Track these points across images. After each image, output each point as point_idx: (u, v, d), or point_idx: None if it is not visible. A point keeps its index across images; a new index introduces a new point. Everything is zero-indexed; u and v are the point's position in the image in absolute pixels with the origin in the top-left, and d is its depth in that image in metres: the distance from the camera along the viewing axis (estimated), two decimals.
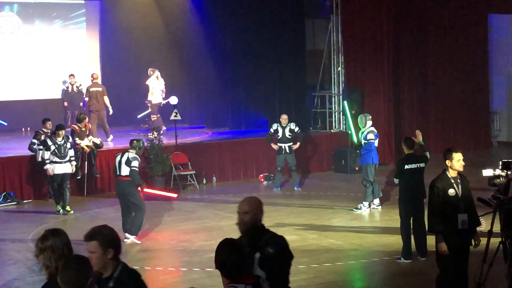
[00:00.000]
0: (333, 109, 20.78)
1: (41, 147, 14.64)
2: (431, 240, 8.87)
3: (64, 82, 21.18)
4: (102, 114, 18.74)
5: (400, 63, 21.13)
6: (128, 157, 11.97)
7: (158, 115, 19.77)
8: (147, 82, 19.78)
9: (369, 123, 14.11)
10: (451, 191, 7.63)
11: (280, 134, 16.57)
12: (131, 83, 21.13)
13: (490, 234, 7.58)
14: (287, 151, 16.58)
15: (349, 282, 10.19)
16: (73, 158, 14.53)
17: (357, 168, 17.32)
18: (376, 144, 14.13)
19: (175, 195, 15.71)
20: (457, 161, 7.67)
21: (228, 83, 21.06)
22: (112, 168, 13.50)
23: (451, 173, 7.70)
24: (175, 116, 17.47)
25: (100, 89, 18.79)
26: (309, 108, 21.42)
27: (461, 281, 7.80)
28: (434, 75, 21.90)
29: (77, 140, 15.91)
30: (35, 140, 15.17)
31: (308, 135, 19.27)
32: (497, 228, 7.58)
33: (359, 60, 19.95)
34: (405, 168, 10.43)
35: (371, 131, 14.03)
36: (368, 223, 13.30)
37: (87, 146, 16.04)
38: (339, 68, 20.39)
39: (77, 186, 16.15)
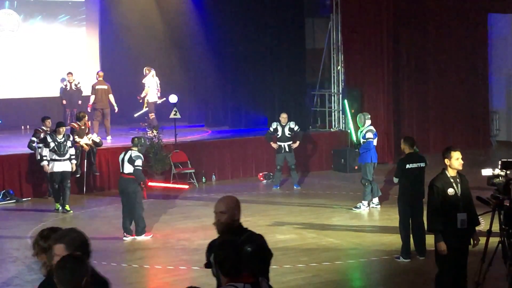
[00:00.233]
0: (333, 108, 20.79)
1: (40, 145, 14.63)
2: (430, 239, 8.87)
3: (63, 80, 21.18)
4: (106, 112, 18.84)
5: (399, 62, 21.14)
6: (131, 155, 12.01)
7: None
8: (143, 81, 19.79)
9: (368, 122, 14.11)
10: (450, 191, 7.62)
11: (279, 133, 16.57)
12: (130, 81, 21.11)
13: (489, 233, 7.58)
14: (287, 150, 16.58)
15: (348, 281, 10.19)
16: (73, 157, 14.51)
17: (356, 167, 17.32)
18: (375, 143, 14.13)
19: (186, 186, 15.84)
20: (456, 160, 7.66)
21: (228, 81, 21.06)
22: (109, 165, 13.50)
23: (450, 173, 7.70)
24: (174, 114, 17.47)
25: (105, 87, 18.90)
26: (308, 107, 21.42)
27: (460, 281, 7.80)
28: (434, 74, 21.90)
29: (77, 138, 15.90)
30: (34, 138, 15.17)
31: (308, 134, 19.27)
32: (496, 227, 7.58)
33: (359, 59, 19.96)
34: (407, 167, 10.41)
35: (370, 130, 14.03)
36: (367, 222, 13.31)
37: (86, 144, 16.03)
38: (339, 67, 20.39)
39: (76, 184, 16.15)
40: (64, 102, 20.77)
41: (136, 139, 12.47)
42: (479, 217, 7.96)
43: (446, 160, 7.71)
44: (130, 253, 11.39)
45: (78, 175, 15.91)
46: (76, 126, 16.07)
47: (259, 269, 4.98)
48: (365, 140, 13.94)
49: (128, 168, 12.03)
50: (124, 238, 12.12)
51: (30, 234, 12.57)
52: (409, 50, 21.44)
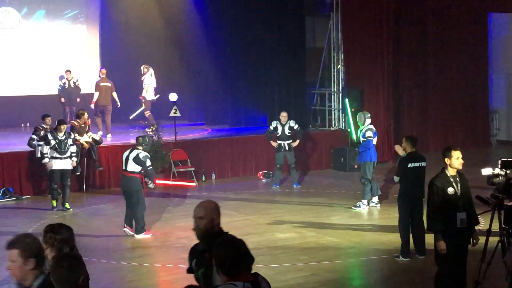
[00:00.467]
0: (333, 106, 20.79)
1: (40, 142, 14.62)
2: (429, 238, 8.87)
3: (61, 78, 21.19)
4: (108, 109, 18.89)
5: (400, 61, 21.14)
6: (138, 155, 12.02)
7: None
8: (143, 79, 19.78)
9: (368, 121, 14.10)
10: (450, 190, 7.63)
11: (279, 131, 16.57)
12: (131, 79, 21.10)
13: (489, 233, 7.58)
14: (287, 148, 16.59)
15: (347, 280, 10.19)
16: (74, 154, 14.50)
17: (356, 166, 17.33)
18: (374, 142, 14.12)
19: (194, 184, 15.86)
20: (456, 159, 7.67)
21: (228, 80, 21.06)
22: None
23: (450, 172, 7.70)
24: (174, 113, 17.47)
25: (109, 84, 18.99)
26: (308, 106, 21.43)
27: (460, 280, 7.81)
28: (434, 74, 21.91)
29: (77, 136, 15.91)
30: (34, 136, 15.16)
31: (308, 132, 19.27)
32: (496, 227, 7.58)
33: (359, 58, 19.95)
34: (409, 166, 10.40)
35: (370, 129, 14.02)
36: (366, 221, 13.31)
37: (86, 142, 16.03)
38: (339, 66, 20.39)
39: (76, 182, 16.16)
40: (63, 100, 20.77)
41: (140, 138, 12.50)
42: (478, 216, 7.97)
43: (446, 160, 7.71)
44: (130, 251, 11.40)
45: (78, 173, 15.92)
46: (76, 124, 16.08)
47: None
48: (365, 139, 13.94)
49: (132, 167, 12.04)
50: (124, 229, 12.12)
51: (30, 232, 12.58)
52: (409, 49, 21.44)
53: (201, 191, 16.47)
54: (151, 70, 19.78)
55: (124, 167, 12.20)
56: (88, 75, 20.98)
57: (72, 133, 14.97)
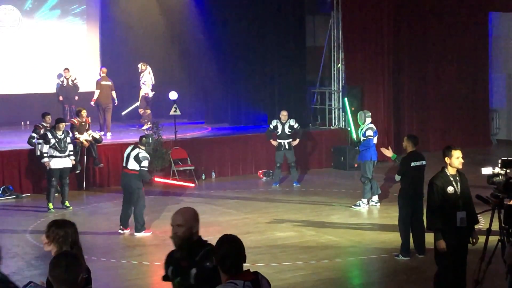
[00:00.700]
0: (333, 105, 20.78)
1: (40, 141, 14.60)
2: (429, 237, 8.87)
3: (59, 76, 21.22)
4: (109, 108, 18.96)
5: (400, 60, 21.13)
6: (138, 154, 12.09)
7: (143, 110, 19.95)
8: (143, 78, 19.77)
9: (368, 120, 14.10)
10: (450, 189, 7.63)
11: (279, 130, 16.57)
12: (131, 77, 21.10)
13: (489, 232, 7.58)
14: (287, 147, 16.58)
15: (347, 279, 10.19)
16: (71, 153, 14.51)
17: (356, 165, 17.32)
18: (375, 141, 14.11)
19: (192, 185, 15.86)
20: (456, 159, 7.67)
21: (228, 78, 21.05)
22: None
23: (450, 171, 7.70)
24: (174, 111, 17.47)
25: (109, 83, 19.07)
26: (308, 105, 21.43)
27: (459, 279, 7.81)
28: (434, 73, 21.90)
29: (76, 135, 15.91)
30: (34, 134, 15.15)
31: (308, 131, 19.27)
32: (496, 226, 7.58)
33: (359, 57, 19.94)
34: (411, 165, 10.39)
35: (370, 128, 14.01)
36: (366, 220, 13.30)
37: (86, 140, 16.03)
38: (339, 65, 20.38)
39: (76, 180, 16.16)
40: (61, 98, 20.78)
41: (144, 138, 12.56)
42: (478, 215, 7.96)
43: (446, 159, 7.71)
44: (130, 249, 11.40)
45: (78, 171, 15.92)
46: (76, 122, 16.07)
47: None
48: (365, 138, 13.93)
49: (132, 165, 12.12)
50: (120, 231, 12.17)
51: (30, 230, 12.58)
52: (410, 48, 21.43)
53: (201, 190, 16.48)
54: (149, 68, 19.79)
55: (124, 164, 12.26)
56: (88, 74, 20.99)
57: (70, 132, 14.96)
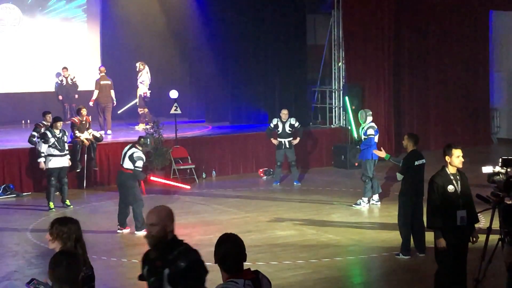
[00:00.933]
0: (333, 104, 20.77)
1: (39, 140, 14.59)
2: (430, 236, 8.87)
3: (58, 75, 21.26)
4: (109, 107, 18.97)
5: (400, 59, 21.14)
6: (133, 154, 12.08)
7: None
8: (141, 77, 19.77)
9: (369, 118, 14.09)
10: (450, 188, 7.63)
11: (280, 129, 16.57)
12: (131, 76, 21.10)
13: (489, 231, 7.59)
14: (287, 146, 16.58)
15: (347, 277, 10.19)
16: (67, 152, 14.52)
17: (356, 164, 17.32)
18: (376, 139, 14.11)
19: (188, 186, 15.86)
20: (456, 157, 7.67)
21: (229, 77, 21.05)
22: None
23: (450, 170, 7.70)
24: (175, 110, 17.47)
25: (108, 82, 19.07)
26: (309, 103, 21.41)
27: (460, 278, 7.81)
28: (435, 71, 21.90)
29: (77, 133, 15.91)
30: (35, 133, 15.14)
31: (308, 130, 19.26)
32: (496, 225, 7.58)
33: (360, 56, 19.94)
34: (415, 164, 10.38)
35: (371, 127, 14.00)
36: (367, 218, 13.30)
37: (86, 139, 16.03)
38: (340, 64, 20.37)
39: (76, 179, 16.17)
40: (60, 97, 20.82)
41: (142, 138, 12.56)
42: (478, 214, 7.96)
43: (446, 157, 7.71)
44: (130, 248, 11.40)
45: (78, 170, 15.93)
46: (77, 121, 16.07)
47: (192, 287, 4.73)
48: (366, 137, 13.92)
49: (127, 164, 12.13)
50: (118, 231, 12.17)
51: (30, 229, 12.58)
52: (410, 46, 21.43)
53: (201, 189, 16.49)
54: (147, 68, 19.83)
55: (121, 163, 12.27)
56: (89, 72, 21.00)
57: (71, 130, 14.96)
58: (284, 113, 16.66)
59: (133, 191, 12.10)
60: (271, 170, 17.61)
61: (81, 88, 21.24)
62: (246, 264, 4.46)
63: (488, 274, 7.61)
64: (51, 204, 14.07)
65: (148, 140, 12.65)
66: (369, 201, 14.03)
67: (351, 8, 19.90)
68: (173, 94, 17.84)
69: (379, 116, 18.77)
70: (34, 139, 15.08)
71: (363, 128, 14.13)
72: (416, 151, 10.56)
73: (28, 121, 20.85)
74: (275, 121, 16.71)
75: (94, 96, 18.98)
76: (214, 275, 5.05)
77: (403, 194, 10.47)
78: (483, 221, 10.48)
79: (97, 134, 16.56)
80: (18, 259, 10.76)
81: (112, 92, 19.10)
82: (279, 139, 16.61)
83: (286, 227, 12.44)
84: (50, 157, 14.12)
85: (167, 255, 4.79)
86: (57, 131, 14.20)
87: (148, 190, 14.83)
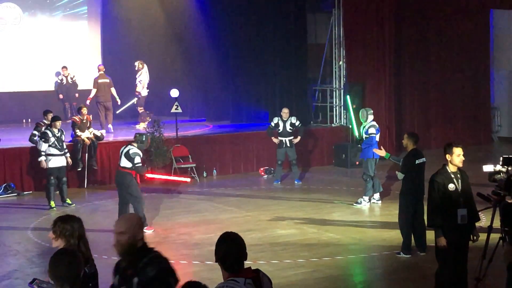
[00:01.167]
0: (334, 103, 20.76)
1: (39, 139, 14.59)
2: (430, 235, 8.87)
3: (57, 74, 21.27)
4: (108, 105, 18.96)
5: (401, 58, 21.13)
6: (128, 151, 12.04)
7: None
8: (139, 75, 19.78)
9: (371, 117, 14.08)
10: (451, 186, 7.63)
11: (281, 128, 16.56)
12: (132, 75, 21.11)
13: (490, 229, 7.58)
14: (288, 145, 16.58)
15: (348, 276, 10.19)
16: (66, 150, 14.52)
17: (357, 163, 17.33)
18: (377, 138, 14.11)
19: (188, 179, 15.84)
20: (457, 156, 7.67)
21: (229, 76, 21.05)
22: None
23: (451, 168, 7.70)
24: (175, 109, 17.47)
25: (107, 80, 19.04)
26: (310, 102, 21.41)
27: (460, 276, 7.81)
28: (436, 70, 21.90)
29: (78, 132, 15.91)
30: (36, 132, 15.14)
31: (309, 129, 19.26)
32: (497, 223, 7.58)
33: (361, 54, 19.93)
34: (416, 163, 10.38)
35: (373, 126, 14.00)
36: (368, 217, 13.30)
37: (87, 138, 16.03)
38: (341, 62, 20.36)
39: (77, 178, 16.18)
40: (61, 96, 20.84)
41: (138, 135, 12.50)
42: (479, 213, 7.96)
43: (447, 156, 7.71)
44: None
45: (79, 169, 15.94)
46: (77, 120, 16.07)
47: None
48: (367, 136, 13.92)
49: (124, 163, 12.09)
50: None
51: (31, 228, 12.59)
52: (411, 45, 21.43)
53: (202, 187, 16.50)
54: (146, 67, 19.85)
55: (119, 162, 12.26)
56: (90, 71, 20.97)
57: (63, 130, 14.90)
58: (285, 112, 16.66)
59: (132, 190, 12.08)
60: (272, 169, 17.61)
61: (81, 87, 21.26)
62: (247, 263, 4.46)
63: (488, 273, 7.61)
64: (52, 203, 14.06)
65: (144, 136, 12.57)
66: (370, 200, 14.03)
67: (352, 7, 19.89)
68: (174, 93, 17.83)
69: (380, 115, 18.76)
70: (35, 138, 15.07)
71: (364, 127, 14.12)
72: (417, 150, 10.55)
73: (29, 120, 20.84)
74: (276, 120, 16.71)
75: (92, 95, 18.98)
76: (215, 274, 5.05)
77: (404, 193, 10.46)
78: (484, 220, 10.48)
79: (98, 133, 16.55)
80: (19, 258, 10.77)
81: (113, 90, 19.06)
82: (279, 138, 16.61)
83: (287, 226, 12.44)
84: (50, 157, 14.12)
85: (137, 263, 4.71)
86: (56, 130, 14.21)
87: (149, 189, 14.84)
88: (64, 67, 21.00)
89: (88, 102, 18.81)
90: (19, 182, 15.80)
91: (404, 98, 21.42)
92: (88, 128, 16.20)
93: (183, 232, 12.11)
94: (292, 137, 16.61)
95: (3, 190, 15.45)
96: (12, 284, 9.46)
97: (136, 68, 19.82)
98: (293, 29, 20.66)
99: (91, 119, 16.62)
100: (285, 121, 16.56)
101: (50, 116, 15.42)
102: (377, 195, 14.13)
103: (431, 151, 18.20)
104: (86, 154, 16.10)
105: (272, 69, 20.72)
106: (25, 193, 15.72)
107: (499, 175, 7.65)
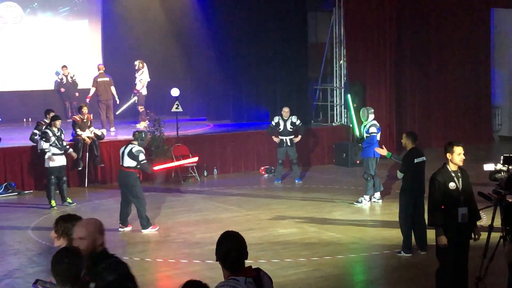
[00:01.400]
0: (335, 102, 20.76)
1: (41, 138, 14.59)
2: (431, 234, 8.87)
3: (57, 74, 21.27)
4: (109, 104, 19.00)
5: (402, 57, 21.13)
6: (131, 150, 12.05)
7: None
8: (141, 75, 19.77)
9: (371, 116, 14.07)
10: (451, 185, 7.63)
11: (281, 127, 16.56)
12: (133, 74, 21.11)
13: (490, 228, 7.58)
14: (288, 144, 16.58)
15: (349, 275, 10.19)
16: (67, 147, 14.54)
17: (358, 162, 17.33)
18: (378, 137, 14.11)
19: (195, 159, 16.04)
20: (457, 155, 7.66)
21: (230, 75, 21.05)
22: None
23: (452, 167, 7.70)
24: (176, 108, 17.47)
25: (107, 79, 19.05)
26: (310, 101, 21.41)
27: (461, 275, 7.81)
28: (436, 69, 21.91)
29: (78, 131, 15.91)
30: (36, 131, 15.15)
31: (310, 128, 19.26)
32: (497, 222, 7.57)
33: (361, 53, 19.93)
34: (415, 162, 10.38)
35: (373, 125, 13.99)
36: (368, 216, 13.30)
37: (88, 137, 16.03)
38: (341, 61, 20.36)
39: (78, 177, 16.18)
40: (63, 89, 20.92)
41: (137, 133, 12.52)
42: (480, 211, 7.96)
43: (448, 154, 7.71)
44: (132, 246, 11.40)
45: (80, 168, 15.94)
46: (78, 119, 16.08)
47: None
48: (368, 135, 13.91)
49: (127, 162, 12.09)
50: (120, 229, 12.18)
51: (32, 227, 12.59)
52: (412, 44, 21.43)
53: (203, 186, 16.50)
54: (146, 66, 19.87)
55: (121, 162, 12.26)
56: (90, 71, 20.96)
57: (62, 130, 14.92)
58: (286, 111, 16.66)
59: (135, 190, 12.09)
60: (273, 168, 17.61)
61: (81, 86, 21.26)
62: (248, 262, 4.46)
63: (489, 272, 7.60)
64: (53, 202, 14.06)
65: (143, 134, 12.60)
66: (370, 199, 14.03)
67: (352, 6, 19.90)
68: (175, 92, 17.83)
69: (380, 114, 18.76)
70: (36, 137, 15.09)
71: (365, 126, 14.12)
72: (416, 149, 10.56)
73: (30, 119, 20.84)
74: (276, 119, 16.71)
75: (91, 93, 18.98)
76: (216, 273, 5.05)
77: (403, 192, 10.47)
78: (484, 219, 10.48)
79: (99, 132, 16.54)
80: (20, 257, 10.77)
81: (113, 89, 19.07)
82: (280, 137, 16.61)
83: (287, 225, 12.44)
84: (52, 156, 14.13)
85: (95, 269, 4.64)
86: (55, 130, 14.21)
87: (150, 188, 14.84)
88: (64, 66, 21.02)
89: (88, 100, 18.81)
90: (20, 181, 15.80)
91: (405, 97, 21.42)
92: (89, 127, 16.20)
93: (184, 231, 12.11)
94: (292, 136, 16.61)
95: (3, 189, 15.46)
96: (13, 283, 9.45)
97: (137, 68, 19.83)
98: (293, 28, 20.66)
99: (91, 118, 16.62)
100: (286, 120, 16.56)
101: (51, 115, 15.44)
102: (377, 194, 14.13)
103: (432, 150, 18.21)
104: (87, 154, 16.10)
105: (272, 68, 20.72)
106: (25, 192, 15.72)
107: (499, 174, 7.64)
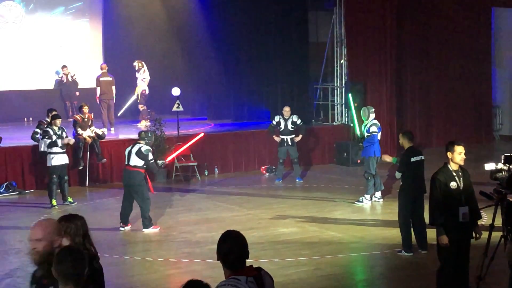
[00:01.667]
0: (336, 101, 20.76)
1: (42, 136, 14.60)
2: (432, 233, 8.87)
3: (57, 73, 21.28)
4: (111, 103, 19.05)
5: (403, 56, 21.13)
6: (140, 149, 12.10)
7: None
8: (142, 74, 19.80)
9: (372, 115, 14.08)
10: (452, 184, 7.63)
11: (282, 126, 16.57)
12: (133, 73, 21.12)
13: (491, 227, 7.58)
14: (289, 143, 16.58)
15: (350, 274, 10.19)
16: (69, 142, 14.57)
17: (359, 161, 17.32)
18: (379, 137, 14.11)
19: (201, 134, 16.68)
20: (458, 154, 7.67)
21: (231, 74, 21.05)
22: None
23: (453, 166, 7.70)
24: (177, 107, 17.48)
25: (110, 78, 19.10)
26: (311, 101, 21.41)
27: (462, 274, 7.81)
28: (437, 68, 21.91)
29: (79, 131, 15.91)
30: (38, 130, 15.16)
31: (310, 127, 19.26)
32: (498, 222, 7.57)
33: (362, 53, 19.93)
34: (412, 161, 10.39)
35: (374, 124, 14.00)
36: (369, 216, 13.30)
37: (89, 136, 16.03)
38: (342, 61, 20.36)
39: (79, 176, 16.18)
40: (64, 84, 21.02)
41: (143, 132, 12.59)
42: (481, 211, 7.96)
43: (448, 154, 7.71)
44: (132, 245, 11.41)
45: (81, 167, 15.94)
46: (79, 119, 16.08)
47: None
48: (369, 134, 13.92)
49: (134, 161, 12.11)
50: (121, 229, 12.19)
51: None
52: (413, 44, 21.43)
53: (204, 186, 16.50)
54: (145, 66, 19.91)
55: (126, 162, 12.25)
56: (91, 70, 21.00)
57: (64, 128, 14.92)
58: (286, 110, 16.66)
59: (141, 190, 12.10)
60: (273, 167, 17.61)
61: (82, 85, 21.28)
62: (249, 261, 4.46)
63: (490, 271, 7.61)
64: (54, 201, 14.06)
65: (149, 133, 12.69)
66: (371, 198, 14.03)
67: (353, 5, 19.89)
68: (175, 91, 17.83)
69: (381, 113, 18.76)
70: (37, 136, 15.09)
71: (365, 125, 14.13)
72: (413, 148, 10.58)
73: (31, 118, 20.86)
74: (277, 118, 16.72)
75: (98, 93, 19.01)
76: (216, 272, 5.05)
77: (402, 191, 10.48)
78: (485, 218, 10.47)
79: (99, 131, 16.54)
80: (21, 256, 10.75)
81: (113, 88, 19.11)
82: (281, 137, 16.62)
83: (288, 224, 12.44)
84: (52, 155, 14.11)
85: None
86: (56, 128, 14.21)
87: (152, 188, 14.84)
88: (64, 66, 21.04)
89: (98, 101, 18.86)
90: (21, 181, 15.81)
91: (406, 96, 21.42)
92: (90, 126, 16.20)
93: (185, 231, 12.11)
94: (293, 136, 16.61)
95: (4, 189, 15.46)
96: (14, 283, 9.46)
97: (136, 68, 19.85)
98: (294, 27, 20.66)
99: (92, 117, 16.62)
100: (287, 119, 16.56)
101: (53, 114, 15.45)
102: (378, 193, 14.14)
103: (433, 149, 18.21)
104: (88, 153, 16.10)
105: (273, 68, 20.72)
106: (26, 191, 15.73)
107: (500, 174, 7.64)
